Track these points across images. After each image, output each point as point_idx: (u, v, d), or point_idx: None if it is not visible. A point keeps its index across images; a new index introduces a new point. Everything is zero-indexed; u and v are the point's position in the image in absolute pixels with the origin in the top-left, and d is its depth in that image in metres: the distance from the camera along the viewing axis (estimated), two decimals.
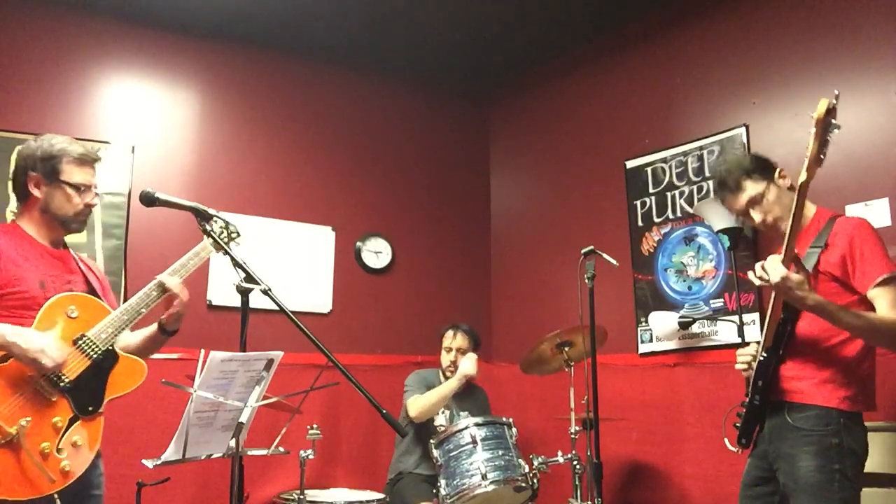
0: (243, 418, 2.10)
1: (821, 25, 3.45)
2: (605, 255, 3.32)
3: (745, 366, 2.41)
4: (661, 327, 3.88)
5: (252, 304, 2.13)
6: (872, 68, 3.24)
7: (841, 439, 2.17)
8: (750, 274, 2.26)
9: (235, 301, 2.15)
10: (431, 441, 3.33)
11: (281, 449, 2.59)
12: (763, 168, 2.41)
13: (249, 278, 2.11)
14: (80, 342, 2.13)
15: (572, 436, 3.38)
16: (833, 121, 2.04)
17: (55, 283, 2.21)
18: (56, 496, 1.99)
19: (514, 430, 3.33)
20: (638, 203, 4.15)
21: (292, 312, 2.09)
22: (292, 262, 4.43)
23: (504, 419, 3.35)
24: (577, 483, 3.27)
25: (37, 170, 2.25)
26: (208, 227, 2.24)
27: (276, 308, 2.09)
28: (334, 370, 2.05)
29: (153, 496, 3.21)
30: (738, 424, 2.40)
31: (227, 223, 2.59)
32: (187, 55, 4.39)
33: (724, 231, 3.48)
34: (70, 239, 2.43)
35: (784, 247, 2.15)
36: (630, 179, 4.22)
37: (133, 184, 4.01)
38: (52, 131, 3.80)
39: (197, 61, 4.41)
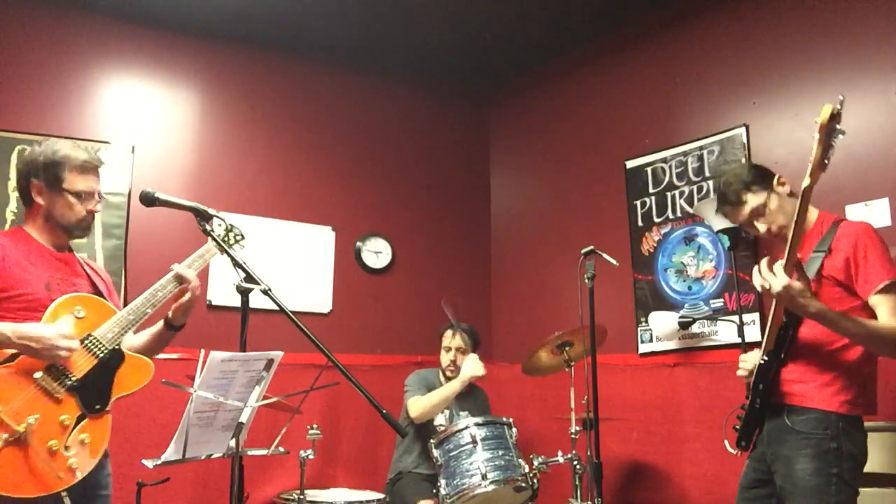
0: (243, 418, 2.10)
1: (821, 25, 3.46)
2: (605, 255, 3.32)
3: (746, 373, 2.42)
4: (661, 327, 3.88)
5: (252, 304, 2.13)
6: (872, 68, 3.24)
7: (839, 443, 2.17)
8: (753, 278, 2.25)
9: (235, 301, 2.15)
10: (431, 441, 3.33)
11: (281, 449, 2.59)
12: (762, 178, 2.41)
13: (249, 278, 2.11)
14: (87, 341, 2.15)
15: (572, 436, 3.38)
16: (838, 126, 2.02)
17: (61, 285, 2.23)
18: (64, 494, 2.00)
19: (514, 430, 3.34)
20: (638, 203, 4.15)
21: (292, 312, 2.09)
22: (292, 262, 4.43)
23: (504, 419, 3.35)
24: (577, 483, 3.27)
25: (39, 177, 2.26)
26: (208, 228, 2.24)
27: (276, 308, 2.09)
28: (334, 370, 2.05)
29: (153, 496, 3.21)
30: (737, 427, 2.40)
31: (231, 226, 2.62)
32: (187, 55, 4.39)
33: (724, 231, 3.48)
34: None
35: (786, 253, 2.15)
36: (630, 179, 4.22)
37: (133, 184, 4.02)
38: (52, 131, 3.88)
39: (197, 61, 4.41)
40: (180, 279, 2.34)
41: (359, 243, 4.70)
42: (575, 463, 3.27)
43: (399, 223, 4.87)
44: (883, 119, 3.18)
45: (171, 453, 2.00)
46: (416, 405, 3.73)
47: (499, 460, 3.15)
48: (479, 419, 3.29)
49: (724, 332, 3.63)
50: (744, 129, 3.69)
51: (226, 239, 2.59)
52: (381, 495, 3.64)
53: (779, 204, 2.37)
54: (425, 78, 5.12)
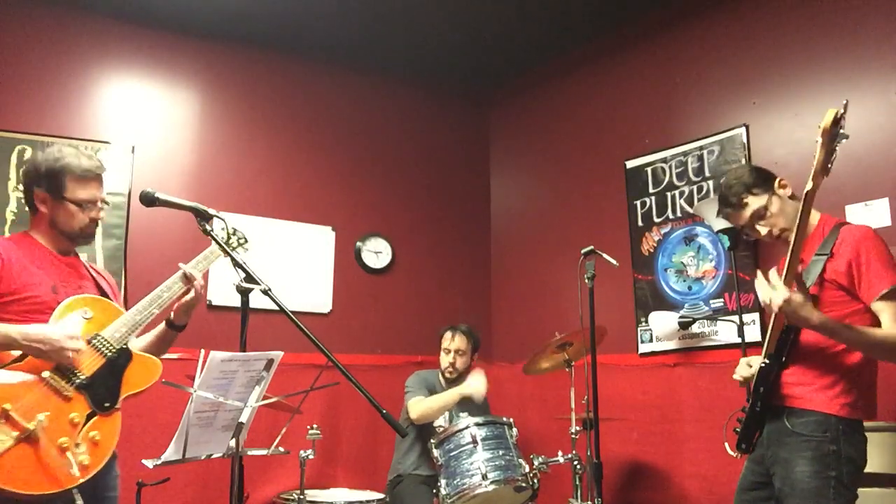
0: (243, 418, 2.10)
1: (821, 25, 3.46)
2: (605, 255, 3.32)
3: (742, 378, 2.42)
4: (661, 327, 3.88)
5: (252, 304, 2.13)
6: (873, 68, 3.24)
7: (839, 446, 2.16)
8: (756, 292, 2.25)
9: (235, 301, 2.15)
10: (431, 441, 3.33)
11: (281, 449, 2.59)
12: (763, 180, 2.40)
13: (249, 278, 2.11)
14: (95, 341, 2.18)
15: (572, 436, 3.38)
16: (841, 130, 2.02)
17: (67, 288, 2.25)
18: (75, 491, 2.02)
19: (514, 429, 3.33)
20: (638, 203, 4.15)
21: (292, 312, 2.09)
22: (292, 262, 4.43)
23: (504, 419, 3.35)
24: (577, 483, 3.27)
25: (41, 186, 2.29)
26: (208, 228, 2.24)
27: (276, 308, 2.09)
28: (334, 370, 2.05)
29: (153, 496, 3.22)
30: (738, 429, 2.39)
31: (235, 230, 2.64)
32: (187, 55, 4.39)
33: (724, 231, 3.48)
34: None
35: (786, 264, 2.15)
36: (630, 179, 4.22)
37: (133, 184, 4.02)
38: (52, 131, 3.89)
39: (197, 61, 4.41)
40: (187, 278, 2.36)
41: (359, 243, 4.70)
42: (575, 463, 3.27)
43: (399, 223, 4.87)
44: (883, 119, 3.18)
45: (171, 453, 2.00)
46: (418, 407, 3.73)
47: (499, 460, 3.15)
48: (479, 419, 3.29)
49: (724, 332, 3.63)
50: (744, 129, 3.69)
51: (229, 242, 2.61)
52: (381, 495, 3.64)
53: (780, 207, 2.37)
54: (425, 78, 5.12)
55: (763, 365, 2.29)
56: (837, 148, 2.04)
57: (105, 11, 4.14)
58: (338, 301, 4.53)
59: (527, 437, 4.18)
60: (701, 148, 3.88)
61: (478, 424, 3.24)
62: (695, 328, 3.75)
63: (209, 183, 4.31)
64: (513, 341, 4.82)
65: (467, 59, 4.91)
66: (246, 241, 2.69)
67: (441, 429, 3.43)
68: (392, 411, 2.10)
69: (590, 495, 3.20)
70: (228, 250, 2.25)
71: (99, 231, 3.85)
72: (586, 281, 3.27)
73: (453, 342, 3.92)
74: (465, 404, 3.81)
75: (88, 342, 2.15)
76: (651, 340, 3.96)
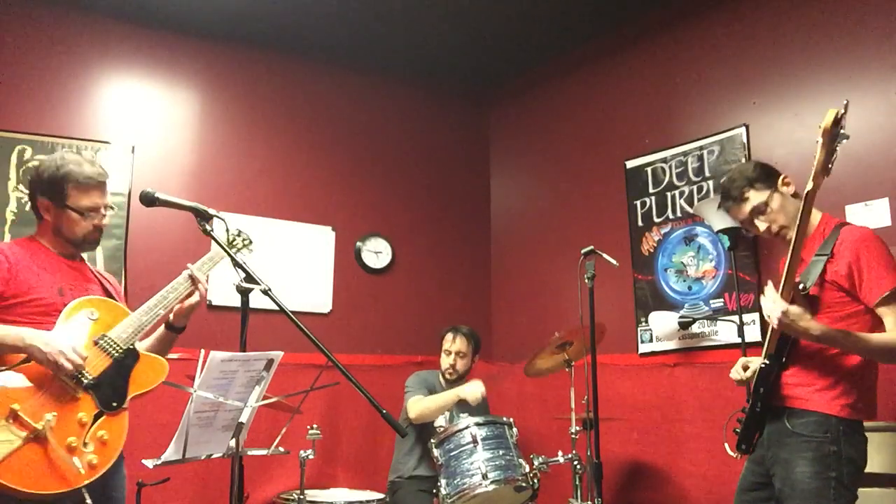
0: (243, 418, 2.10)
1: (821, 25, 3.46)
2: (605, 255, 3.32)
3: (739, 380, 2.42)
4: (661, 327, 3.88)
5: (252, 304, 2.13)
6: (873, 68, 3.24)
7: (839, 447, 2.16)
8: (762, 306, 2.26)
9: (235, 301, 2.15)
10: (432, 441, 3.33)
11: (281, 449, 2.59)
12: (767, 176, 2.40)
13: (249, 278, 2.11)
14: (101, 342, 2.19)
15: (572, 436, 3.38)
16: (841, 131, 2.02)
17: (74, 290, 2.28)
18: (84, 490, 2.03)
19: (514, 429, 3.33)
20: (638, 203, 4.15)
21: (292, 312, 2.09)
22: (292, 262, 4.43)
23: (504, 419, 3.35)
24: (577, 483, 3.27)
25: (45, 194, 2.30)
26: (208, 228, 2.24)
27: (276, 308, 2.09)
28: (334, 370, 2.05)
29: (153, 496, 3.22)
30: (738, 430, 2.39)
31: (239, 231, 2.65)
32: (187, 55, 4.39)
33: (724, 231, 3.48)
34: None
35: (786, 267, 2.16)
36: (630, 179, 4.22)
37: (133, 184, 4.02)
38: (53, 131, 3.89)
39: (197, 61, 4.41)
40: (194, 280, 2.38)
41: (359, 243, 4.70)
42: (575, 463, 3.27)
43: (399, 223, 4.87)
44: (883, 119, 3.18)
45: (171, 453, 2.01)
46: (416, 406, 3.73)
47: (499, 460, 3.15)
48: (479, 419, 3.29)
49: (724, 332, 3.63)
50: (744, 129, 3.69)
51: (233, 243, 2.63)
52: (381, 495, 3.64)
53: (781, 204, 2.37)
54: (425, 78, 5.12)
55: (763, 366, 2.29)
56: (838, 148, 2.04)
57: (105, 11, 4.14)
58: (338, 301, 4.53)
59: (527, 437, 4.18)
60: (701, 148, 3.88)
61: (478, 424, 3.24)
62: (695, 328, 3.75)
63: (209, 183, 4.31)
64: (513, 341, 4.82)
65: (467, 59, 4.91)
66: (251, 242, 2.71)
67: (441, 429, 3.43)
68: (392, 411, 2.11)
69: (590, 495, 3.20)
70: (226, 248, 2.25)
71: None
72: (586, 281, 3.27)
73: (454, 344, 3.91)
74: (466, 405, 3.80)
75: (95, 343, 2.18)
76: (651, 340, 3.97)
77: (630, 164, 4.22)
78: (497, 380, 4.63)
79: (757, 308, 3.49)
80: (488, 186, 5.30)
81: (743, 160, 3.61)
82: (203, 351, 1.95)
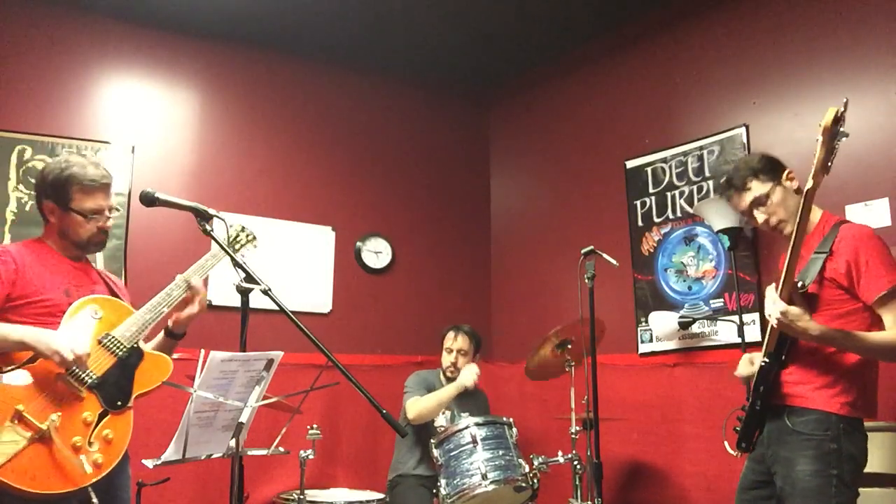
0: (243, 418, 2.10)
1: (821, 25, 3.46)
2: (605, 255, 3.32)
3: (743, 378, 2.42)
4: (661, 327, 3.88)
5: (252, 304, 2.13)
6: (873, 68, 3.24)
7: (840, 444, 2.17)
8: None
9: (235, 301, 2.15)
10: (432, 441, 3.33)
11: (281, 449, 2.59)
12: (771, 169, 2.40)
13: (249, 278, 2.11)
14: (105, 341, 2.21)
15: (572, 436, 3.38)
16: (841, 129, 2.02)
17: (80, 291, 2.29)
18: (90, 489, 2.04)
19: (514, 429, 3.33)
20: (638, 203, 4.15)
21: (292, 312, 2.09)
22: (292, 262, 4.43)
23: (504, 419, 3.35)
24: (577, 483, 3.27)
25: (49, 197, 2.32)
26: (208, 228, 2.25)
27: (276, 308, 2.09)
28: (334, 370, 2.05)
29: (153, 496, 3.22)
30: (738, 428, 2.39)
31: (243, 227, 2.67)
32: (187, 55, 4.39)
33: (724, 231, 3.49)
34: None
35: (785, 265, 2.16)
36: (630, 179, 4.22)
37: (133, 184, 4.01)
38: (53, 131, 3.89)
39: (197, 61, 4.41)
40: (192, 289, 2.39)
41: (359, 243, 4.70)
42: (575, 463, 3.27)
43: (399, 223, 4.87)
44: (883, 119, 3.18)
45: (171, 453, 2.01)
46: (414, 406, 3.72)
47: (499, 460, 3.15)
48: (479, 419, 3.29)
49: (724, 332, 3.63)
50: (744, 129, 3.69)
51: (238, 239, 2.65)
52: (380, 495, 3.64)
53: (782, 198, 2.36)
54: (425, 78, 5.12)
55: (763, 364, 2.29)
56: (837, 146, 2.05)
57: (105, 11, 4.14)
58: (338, 301, 4.53)
59: (527, 437, 4.18)
60: (701, 148, 3.88)
61: (478, 424, 3.24)
62: (695, 328, 3.75)
63: (209, 183, 4.31)
64: (513, 341, 4.81)
65: (467, 59, 4.91)
66: (255, 237, 2.72)
67: (442, 428, 3.43)
68: (392, 411, 2.11)
69: (590, 495, 3.20)
70: (228, 250, 2.25)
71: None
72: (586, 281, 3.27)
73: (456, 342, 3.92)
74: (466, 404, 3.81)
75: (99, 342, 2.19)
76: (651, 340, 3.96)
77: (630, 164, 4.22)
78: (497, 380, 4.64)
79: (757, 308, 3.49)
80: (488, 186, 5.30)
81: None
82: (203, 351, 1.95)
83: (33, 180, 3.68)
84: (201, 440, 2.06)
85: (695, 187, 3.89)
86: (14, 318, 2.13)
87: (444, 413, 3.75)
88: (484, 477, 3.06)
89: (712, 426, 3.54)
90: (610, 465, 3.64)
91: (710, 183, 3.82)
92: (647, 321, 3.98)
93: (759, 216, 2.40)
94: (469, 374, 3.74)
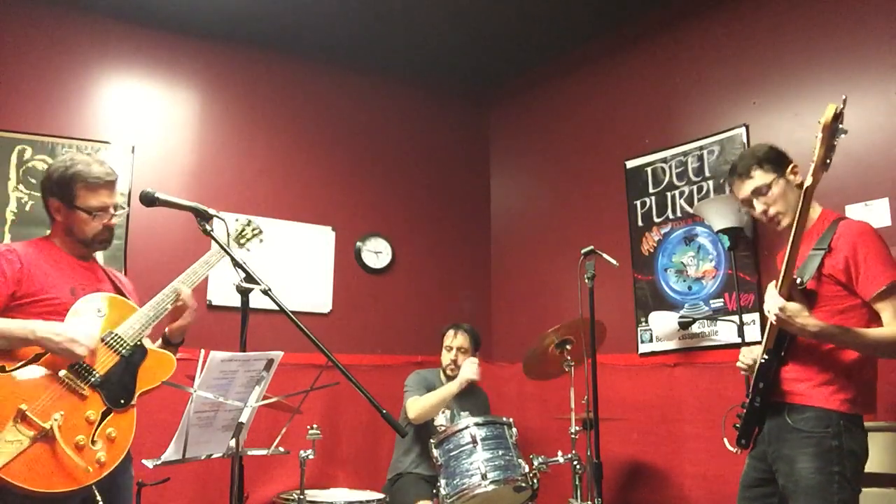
0: (243, 418, 2.10)
1: (821, 25, 3.46)
2: (605, 255, 3.32)
3: (746, 367, 2.41)
4: (661, 327, 3.88)
5: (252, 304, 2.13)
6: (873, 68, 3.24)
7: (841, 441, 2.17)
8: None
9: (235, 301, 2.15)
10: (431, 441, 3.33)
11: (281, 449, 2.59)
12: (776, 160, 2.41)
13: (249, 278, 2.11)
14: (108, 339, 2.22)
15: (572, 436, 3.38)
16: (840, 126, 2.04)
17: (86, 289, 2.30)
18: (94, 488, 2.05)
19: (514, 429, 3.33)
20: (638, 203, 4.15)
21: (292, 312, 2.09)
22: (292, 262, 4.42)
23: (504, 419, 3.35)
24: (577, 483, 3.27)
25: (54, 195, 2.32)
26: (208, 228, 2.25)
27: (276, 308, 2.09)
28: (334, 370, 2.05)
29: (153, 496, 3.22)
30: (737, 425, 2.40)
31: (249, 220, 2.68)
32: (187, 55, 4.39)
33: (724, 231, 3.49)
34: None
35: (784, 262, 2.17)
36: (630, 179, 4.22)
37: (133, 184, 4.01)
38: (53, 131, 3.89)
39: (197, 61, 4.41)
40: (177, 295, 2.38)
41: (359, 243, 4.70)
42: (575, 463, 3.27)
43: (399, 223, 4.87)
44: (883, 119, 3.18)
45: (171, 453, 2.01)
46: (415, 405, 3.73)
47: (499, 460, 3.15)
48: (479, 419, 3.29)
49: (724, 332, 3.63)
50: (744, 129, 3.69)
51: (244, 233, 2.67)
52: (381, 495, 3.64)
53: (783, 191, 2.37)
54: (425, 78, 5.12)
55: (763, 361, 2.29)
56: (836, 143, 2.06)
57: (105, 11, 4.14)
58: (338, 301, 4.53)
59: (527, 437, 4.18)
60: (701, 148, 3.88)
61: (477, 424, 3.24)
62: (695, 328, 3.75)
63: (209, 183, 4.31)
64: (513, 341, 4.81)
65: (467, 59, 4.91)
66: (261, 231, 2.73)
67: (442, 428, 3.43)
68: (392, 411, 2.11)
69: (590, 495, 3.20)
70: (222, 245, 2.25)
71: None
72: (586, 281, 3.27)
73: (455, 340, 3.93)
74: (466, 403, 3.81)
75: (102, 340, 2.20)
76: (651, 340, 3.96)
77: (630, 164, 4.22)
78: (497, 380, 4.64)
79: (757, 308, 3.49)
80: (488, 186, 5.30)
81: None
82: (203, 351, 1.95)
83: (34, 180, 3.77)
84: (201, 440, 2.06)
85: (695, 187, 3.89)
86: (19, 316, 2.14)
87: (443, 412, 3.76)
88: (484, 477, 3.06)
89: (712, 426, 3.54)
90: (610, 465, 3.64)
91: (710, 183, 3.82)
92: (647, 321, 3.98)
93: (758, 206, 2.40)
94: (470, 368, 3.74)
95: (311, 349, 2.07)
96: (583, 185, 4.54)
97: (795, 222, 2.16)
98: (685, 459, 3.70)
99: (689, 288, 3.84)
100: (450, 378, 3.92)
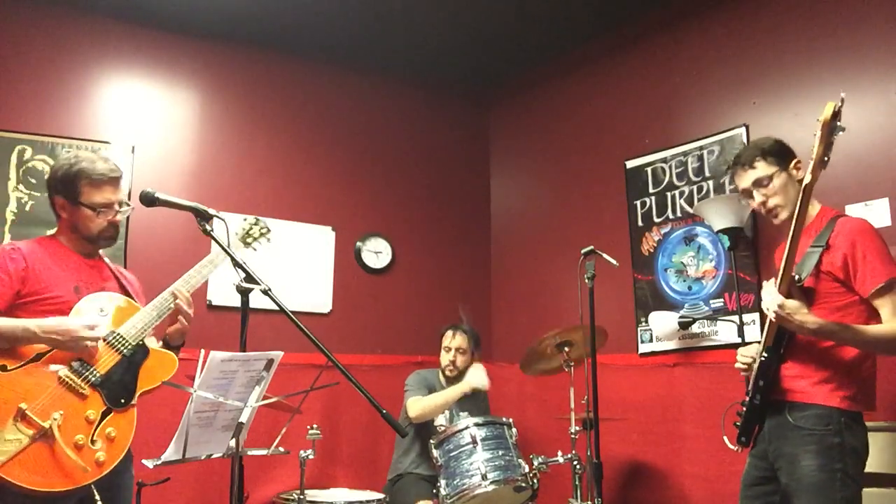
0: (243, 418, 2.10)
1: (821, 25, 3.45)
2: (605, 255, 3.32)
3: (745, 366, 2.41)
4: (661, 327, 3.88)
5: (252, 304, 2.13)
6: (872, 68, 3.24)
7: (842, 438, 2.17)
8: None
9: (235, 301, 2.15)
10: (431, 441, 3.33)
11: (281, 449, 2.59)
12: (780, 153, 2.41)
13: (249, 278, 2.11)
14: (110, 338, 2.22)
15: (572, 436, 3.38)
16: (838, 123, 2.05)
17: (90, 288, 2.31)
18: (93, 487, 2.06)
19: (513, 430, 3.33)
20: (638, 203, 4.15)
21: (292, 312, 2.09)
22: (292, 262, 4.42)
23: (504, 419, 3.35)
24: (577, 483, 3.27)
25: (60, 192, 2.33)
26: (208, 228, 2.25)
27: (276, 308, 2.09)
28: (334, 370, 2.05)
29: (153, 496, 3.21)
30: (738, 423, 2.40)
31: (257, 219, 2.69)
32: (187, 55, 4.39)
33: (724, 231, 3.48)
34: None
35: (781, 268, 2.17)
36: (630, 179, 4.22)
37: (133, 184, 4.01)
38: (53, 131, 3.90)
39: (197, 61, 4.41)
40: (178, 304, 2.37)
41: (359, 243, 4.70)
42: (575, 463, 3.27)
43: (399, 223, 4.87)
44: (883, 119, 3.18)
45: (171, 453, 2.01)
46: (416, 405, 3.73)
47: (499, 460, 3.15)
48: (479, 419, 3.29)
49: (724, 332, 3.63)
50: (744, 129, 3.69)
51: (251, 232, 2.69)
52: (381, 495, 3.64)
53: (784, 184, 2.37)
54: (425, 78, 5.12)
55: (763, 358, 2.29)
56: (834, 140, 2.08)
57: (105, 11, 4.14)
58: (338, 301, 4.53)
59: (527, 437, 4.18)
60: (701, 148, 3.88)
61: (477, 425, 3.24)
62: (695, 328, 3.75)
63: (209, 183, 4.31)
64: (513, 341, 4.81)
65: (467, 59, 4.91)
66: (269, 230, 2.74)
67: (442, 428, 3.43)
68: (392, 411, 2.11)
69: (590, 495, 3.20)
70: (222, 246, 2.25)
71: None
72: (586, 281, 3.27)
73: (454, 340, 3.93)
74: (466, 404, 3.81)
75: (104, 339, 2.20)
76: (651, 340, 3.96)
77: (630, 164, 4.22)
78: (497, 380, 4.63)
79: (757, 308, 3.49)
80: (488, 186, 5.30)
81: None
82: (203, 351, 1.95)
83: (34, 180, 3.77)
84: (201, 440, 2.06)
85: (695, 187, 3.89)
86: (24, 315, 2.15)
87: (443, 413, 3.76)
88: (484, 477, 3.06)
89: (712, 426, 3.54)
90: (610, 465, 3.64)
91: (711, 183, 3.82)
92: (647, 321, 3.98)
93: (758, 196, 2.41)
94: (479, 377, 3.72)
95: (311, 349, 2.07)
96: (583, 185, 4.54)
97: (794, 220, 2.16)
98: (685, 459, 3.70)
99: (689, 288, 3.84)
100: (448, 379, 3.92)
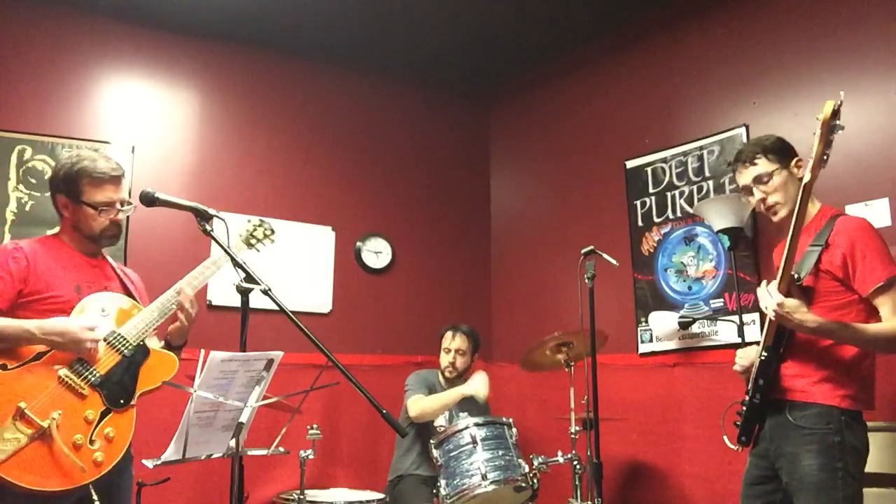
0: (243, 418, 2.10)
1: (821, 25, 3.46)
2: (605, 255, 3.32)
3: (742, 369, 2.42)
4: (661, 327, 3.88)
5: (252, 304, 2.13)
6: (872, 68, 3.24)
7: (843, 437, 2.17)
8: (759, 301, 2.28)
9: (235, 301, 2.15)
10: (431, 441, 3.33)
11: (281, 449, 2.59)
12: (781, 151, 2.41)
13: (249, 278, 2.11)
14: (111, 338, 2.23)
15: (572, 436, 3.38)
16: (837, 122, 2.05)
17: (92, 288, 2.30)
18: (91, 487, 2.06)
19: (513, 430, 3.33)
20: (638, 203, 4.15)
21: (292, 312, 2.09)
22: (292, 262, 4.42)
23: (504, 419, 3.35)
24: (577, 483, 3.27)
25: (62, 191, 2.33)
26: (208, 228, 2.25)
27: (276, 308, 2.09)
28: (334, 370, 2.05)
29: (153, 496, 3.21)
30: (738, 423, 2.40)
31: (261, 221, 2.69)
32: (187, 55, 4.39)
33: (724, 231, 3.48)
34: None
35: (781, 267, 2.18)
36: (630, 179, 4.22)
37: (133, 184, 4.01)
38: (53, 131, 3.90)
39: (197, 61, 4.41)
40: (180, 305, 2.38)
41: (359, 243, 4.70)
42: (575, 463, 3.27)
43: (399, 223, 4.87)
44: (883, 119, 3.18)
45: (171, 453, 2.01)
46: (417, 405, 3.73)
47: (499, 460, 3.15)
48: (478, 419, 3.29)
49: (724, 332, 3.63)
50: (744, 129, 3.69)
51: (255, 233, 2.70)
52: (381, 495, 3.64)
53: (784, 182, 2.37)
54: (425, 78, 5.12)
55: (763, 358, 2.29)
56: (833, 139, 2.08)
57: (105, 11, 4.14)
58: (338, 301, 4.53)
59: (527, 437, 4.18)
60: (701, 148, 3.88)
61: (477, 425, 3.24)
62: (695, 328, 3.75)
63: (209, 183, 4.31)
64: (513, 341, 4.81)
65: (467, 59, 4.91)
66: (273, 231, 2.74)
67: (442, 428, 3.43)
68: (392, 411, 2.11)
69: (590, 495, 3.20)
70: (223, 246, 2.24)
71: None
72: (586, 281, 3.27)
73: (454, 342, 3.92)
74: (466, 404, 3.81)
75: (105, 339, 2.21)
76: (651, 340, 3.96)
77: (630, 164, 4.22)
78: (497, 380, 4.63)
79: (757, 308, 3.49)
80: (488, 186, 5.30)
81: None
82: (203, 351, 1.95)
83: (34, 180, 3.77)
84: (201, 440, 2.06)
85: (695, 187, 3.89)
86: (25, 314, 2.16)
87: (443, 413, 3.76)
88: (484, 477, 3.06)
89: (712, 426, 3.54)
90: (610, 465, 3.64)
91: (711, 183, 3.82)
92: (647, 321, 3.98)
93: (757, 193, 2.41)
94: (479, 387, 3.71)
95: (311, 349, 2.07)
96: (583, 185, 4.54)
97: (794, 219, 2.16)
98: (685, 459, 3.70)
99: (689, 288, 3.84)
100: (448, 380, 3.92)
